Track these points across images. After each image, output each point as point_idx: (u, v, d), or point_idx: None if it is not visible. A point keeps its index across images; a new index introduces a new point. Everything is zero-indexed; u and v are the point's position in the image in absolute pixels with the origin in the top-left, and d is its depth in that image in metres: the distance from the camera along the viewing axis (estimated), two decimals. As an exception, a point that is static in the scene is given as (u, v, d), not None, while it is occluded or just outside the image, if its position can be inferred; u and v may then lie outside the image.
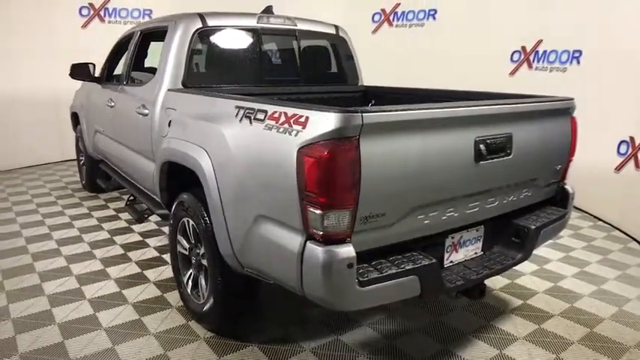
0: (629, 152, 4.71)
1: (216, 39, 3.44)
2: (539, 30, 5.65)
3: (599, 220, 5.04)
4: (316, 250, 1.85)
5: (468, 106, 2.21)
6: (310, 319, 2.98)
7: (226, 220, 2.36)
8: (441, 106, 2.12)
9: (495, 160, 2.29)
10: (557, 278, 3.62)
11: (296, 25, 3.78)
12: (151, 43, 4.21)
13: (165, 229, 4.36)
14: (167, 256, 3.77)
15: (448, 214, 2.23)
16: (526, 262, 2.68)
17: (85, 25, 7.29)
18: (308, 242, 1.89)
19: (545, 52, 5.66)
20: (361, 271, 1.92)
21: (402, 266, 2.00)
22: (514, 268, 3.02)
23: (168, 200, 3.12)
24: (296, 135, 1.92)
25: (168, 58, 3.24)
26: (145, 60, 4.49)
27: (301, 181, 1.87)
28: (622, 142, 4.79)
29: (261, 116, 2.17)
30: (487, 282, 3.07)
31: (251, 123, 2.23)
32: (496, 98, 2.67)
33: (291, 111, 2.01)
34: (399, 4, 7.22)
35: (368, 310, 2.84)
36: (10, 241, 4.19)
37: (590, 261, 3.97)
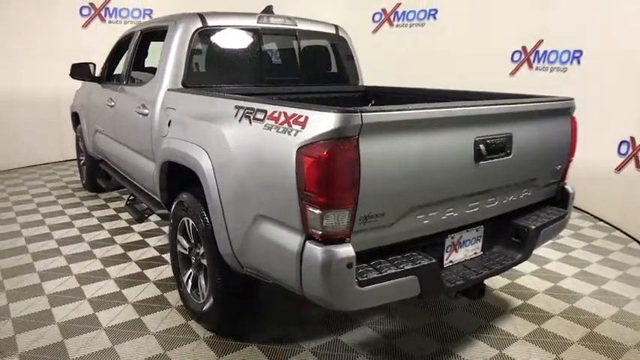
0: (630, 152, 4.70)
1: (216, 39, 3.44)
2: (540, 30, 5.65)
3: (600, 220, 5.04)
4: (315, 250, 1.84)
5: (468, 106, 2.20)
6: (310, 319, 2.98)
7: (226, 220, 2.36)
8: (440, 106, 2.12)
9: (495, 160, 2.29)
10: (558, 278, 3.61)
11: (296, 25, 3.78)
12: (151, 42, 4.21)
13: (166, 229, 4.36)
14: (167, 256, 3.77)
15: (448, 214, 2.23)
16: (526, 262, 2.67)
17: (85, 25, 7.29)
18: (307, 242, 1.89)
19: (545, 52, 5.65)
20: (360, 271, 1.92)
21: (402, 266, 2.00)
22: (514, 268, 3.02)
23: (168, 200, 3.12)
24: (295, 135, 1.92)
25: (168, 58, 3.24)
26: (145, 60, 4.50)
27: (300, 181, 1.87)
28: (622, 142, 4.79)
29: (260, 116, 2.17)
30: (487, 282, 3.07)
31: (250, 123, 2.23)
32: (496, 98, 2.66)
33: (290, 111, 2.01)
34: (400, 3, 7.21)
35: (368, 309, 2.83)
36: (11, 240, 4.20)
37: (591, 261, 3.97)
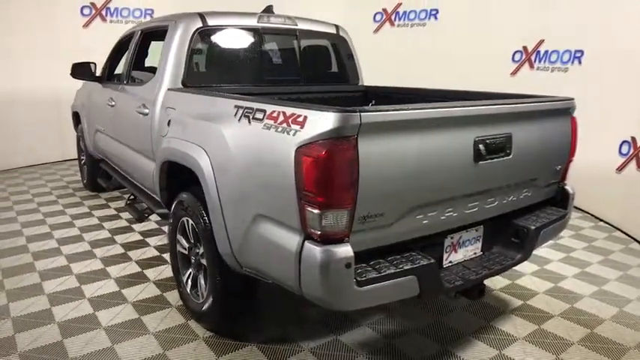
0: (631, 152, 4.69)
1: (216, 38, 3.44)
2: (541, 30, 5.64)
3: (601, 220, 5.03)
4: (314, 250, 1.84)
5: (467, 106, 2.20)
6: (309, 319, 2.98)
7: (225, 220, 2.36)
8: (439, 106, 2.11)
9: (495, 160, 2.29)
10: (558, 279, 3.61)
11: (296, 25, 3.77)
12: (152, 42, 4.21)
13: (166, 229, 4.36)
14: (167, 256, 3.77)
15: (447, 214, 2.23)
16: (527, 262, 2.67)
17: (86, 25, 7.30)
18: (306, 242, 1.88)
19: (546, 52, 5.64)
20: (359, 271, 1.92)
21: (401, 266, 2.00)
22: (514, 268, 3.03)
23: (168, 199, 3.12)
24: (294, 134, 1.92)
25: (169, 58, 3.24)
26: (146, 59, 4.50)
27: (299, 181, 1.87)
28: (624, 142, 4.78)
29: (259, 116, 2.17)
30: (487, 282, 3.07)
31: (250, 122, 2.23)
32: (496, 98, 2.66)
33: (289, 110, 2.01)
34: (401, 3, 7.21)
35: (367, 309, 2.84)
36: (11, 240, 4.20)
37: (591, 262, 3.96)
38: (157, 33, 3.65)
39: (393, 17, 7.31)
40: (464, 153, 2.17)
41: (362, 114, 1.79)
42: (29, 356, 2.56)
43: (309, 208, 1.84)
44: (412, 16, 7.11)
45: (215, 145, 2.42)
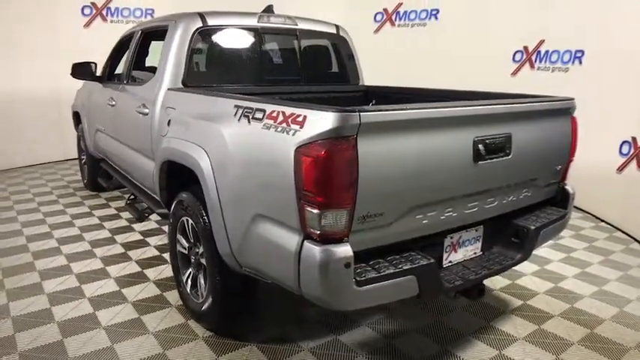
0: (632, 153, 4.69)
1: (216, 38, 3.44)
2: (541, 30, 5.64)
3: (601, 220, 5.02)
4: (313, 250, 1.84)
5: (466, 106, 2.20)
6: (309, 319, 2.98)
7: (225, 220, 2.36)
8: (438, 106, 2.11)
9: (494, 160, 2.28)
10: (558, 279, 3.60)
11: (297, 25, 3.77)
12: (152, 42, 4.22)
13: (166, 228, 4.36)
14: (167, 255, 3.77)
15: (447, 214, 2.23)
16: (527, 262, 2.67)
17: (87, 25, 7.30)
18: (305, 242, 1.88)
19: (547, 52, 5.64)
20: (359, 270, 1.92)
21: (400, 266, 2.00)
22: (514, 268, 3.02)
23: (167, 199, 3.12)
24: (294, 134, 1.92)
25: (169, 58, 3.24)
26: (146, 59, 4.50)
27: (299, 181, 1.87)
28: (624, 142, 4.77)
29: (259, 115, 2.17)
30: (487, 282, 3.07)
31: (249, 122, 2.23)
32: (495, 98, 2.66)
33: (289, 110, 2.01)
34: (402, 3, 7.20)
35: (367, 309, 2.84)
36: (11, 239, 4.21)
37: (592, 262, 3.96)
38: (157, 33, 3.65)
39: (393, 17, 7.31)
40: (463, 153, 2.17)
41: (361, 114, 1.79)
42: (29, 355, 2.57)
43: (309, 208, 1.84)
44: (413, 16, 7.11)
45: (215, 145, 2.42)
